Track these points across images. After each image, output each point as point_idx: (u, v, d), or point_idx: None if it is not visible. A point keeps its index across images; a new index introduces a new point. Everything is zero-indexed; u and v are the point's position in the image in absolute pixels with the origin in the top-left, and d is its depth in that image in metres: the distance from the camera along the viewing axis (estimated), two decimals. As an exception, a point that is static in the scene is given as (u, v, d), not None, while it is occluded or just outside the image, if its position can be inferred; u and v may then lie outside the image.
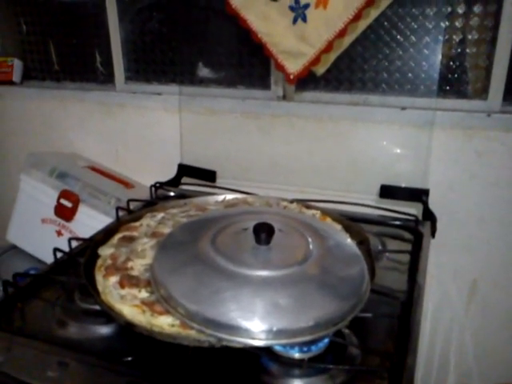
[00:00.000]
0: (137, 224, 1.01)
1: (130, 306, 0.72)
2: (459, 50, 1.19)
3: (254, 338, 0.64)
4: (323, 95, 1.34)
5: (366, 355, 0.72)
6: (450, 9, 1.16)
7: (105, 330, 0.78)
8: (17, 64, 1.69)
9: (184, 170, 1.44)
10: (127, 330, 0.70)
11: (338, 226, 0.99)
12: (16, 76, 1.69)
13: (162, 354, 0.72)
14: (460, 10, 1.16)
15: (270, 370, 0.70)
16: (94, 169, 1.52)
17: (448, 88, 1.22)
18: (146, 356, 0.72)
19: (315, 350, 0.70)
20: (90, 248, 0.91)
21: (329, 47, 1.17)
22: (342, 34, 1.15)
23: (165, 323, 0.68)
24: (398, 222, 1.15)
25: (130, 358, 0.71)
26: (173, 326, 0.68)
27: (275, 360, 0.70)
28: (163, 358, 0.71)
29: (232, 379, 0.69)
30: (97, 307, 0.78)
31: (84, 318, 0.80)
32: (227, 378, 0.69)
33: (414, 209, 1.22)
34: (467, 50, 1.19)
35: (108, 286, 0.78)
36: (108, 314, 0.73)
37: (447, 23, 1.17)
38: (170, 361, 0.71)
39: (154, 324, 0.69)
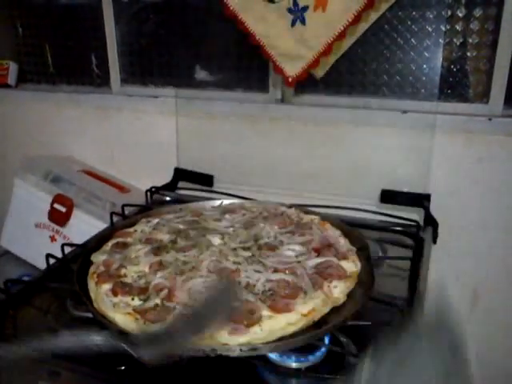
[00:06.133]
0: (131, 230, 0.99)
1: (122, 313, 0.71)
2: (460, 54, 1.18)
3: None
4: (322, 98, 1.32)
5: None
6: (450, 12, 1.15)
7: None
8: (12, 67, 1.68)
9: (180, 175, 1.43)
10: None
11: (337, 232, 0.98)
12: (11, 79, 1.68)
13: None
14: (460, 14, 1.15)
15: (266, 379, 0.68)
16: (89, 173, 1.50)
17: (449, 91, 1.21)
18: (139, 365, 0.69)
19: (312, 359, 0.69)
20: (82, 254, 0.90)
21: (328, 50, 1.16)
22: (341, 36, 1.14)
23: (158, 332, 0.66)
24: (398, 228, 1.14)
25: (122, 368, 0.70)
26: (166, 334, 0.66)
27: (272, 370, 0.68)
28: (157, 368, 0.69)
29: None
30: (89, 315, 0.76)
31: (76, 325, 0.78)
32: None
33: (415, 214, 1.20)
34: (468, 54, 1.18)
35: (100, 294, 0.76)
36: (100, 322, 0.72)
37: (447, 26, 1.16)
38: (164, 370, 0.69)
39: (147, 333, 0.67)
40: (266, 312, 0.69)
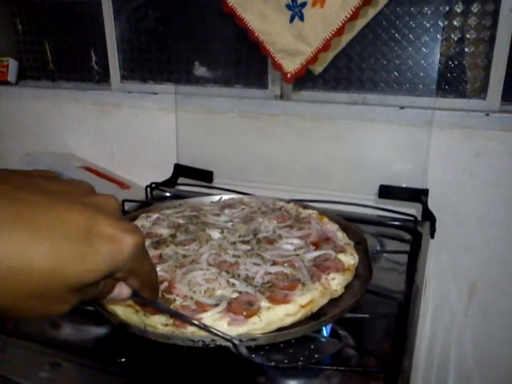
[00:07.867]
0: (131, 224, 0.99)
1: (123, 306, 0.71)
2: (458, 49, 1.18)
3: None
4: (321, 94, 1.33)
5: (362, 356, 0.71)
6: (447, 7, 1.16)
7: (98, 330, 0.77)
8: (12, 64, 1.68)
9: (180, 171, 1.43)
10: (121, 330, 0.68)
11: (335, 226, 0.98)
12: (11, 76, 1.68)
13: (157, 355, 0.70)
14: (458, 9, 1.15)
15: (265, 370, 0.69)
16: (89, 169, 1.50)
17: (447, 87, 1.21)
18: (140, 357, 0.70)
19: (311, 350, 0.69)
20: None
21: (326, 46, 1.16)
22: (339, 32, 1.14)
23: (158, 323, 0.67)
24: (396, 223, 1.13)
25: (123, 359, 0.70)
26: (166, 325, 0.66)
27: (271, 360, 0.68)
28: (158, 359, 0.70)
29: (227, 380, 0.68)
30: (90, 307, 0.76)
31: (77, 318, 0.79)
32: (222, 379, 0.68)
33: (413, 209, 1.21)
34: (466, 49, 1.18)
35: (101, 286, 0.76)
36: (101, 315, 0.72)
37: (445, 22, 1.17)
38: (164, 361, 0.70)
39: (147, 324, 0.67)
40: (264, 303, 0.69)
